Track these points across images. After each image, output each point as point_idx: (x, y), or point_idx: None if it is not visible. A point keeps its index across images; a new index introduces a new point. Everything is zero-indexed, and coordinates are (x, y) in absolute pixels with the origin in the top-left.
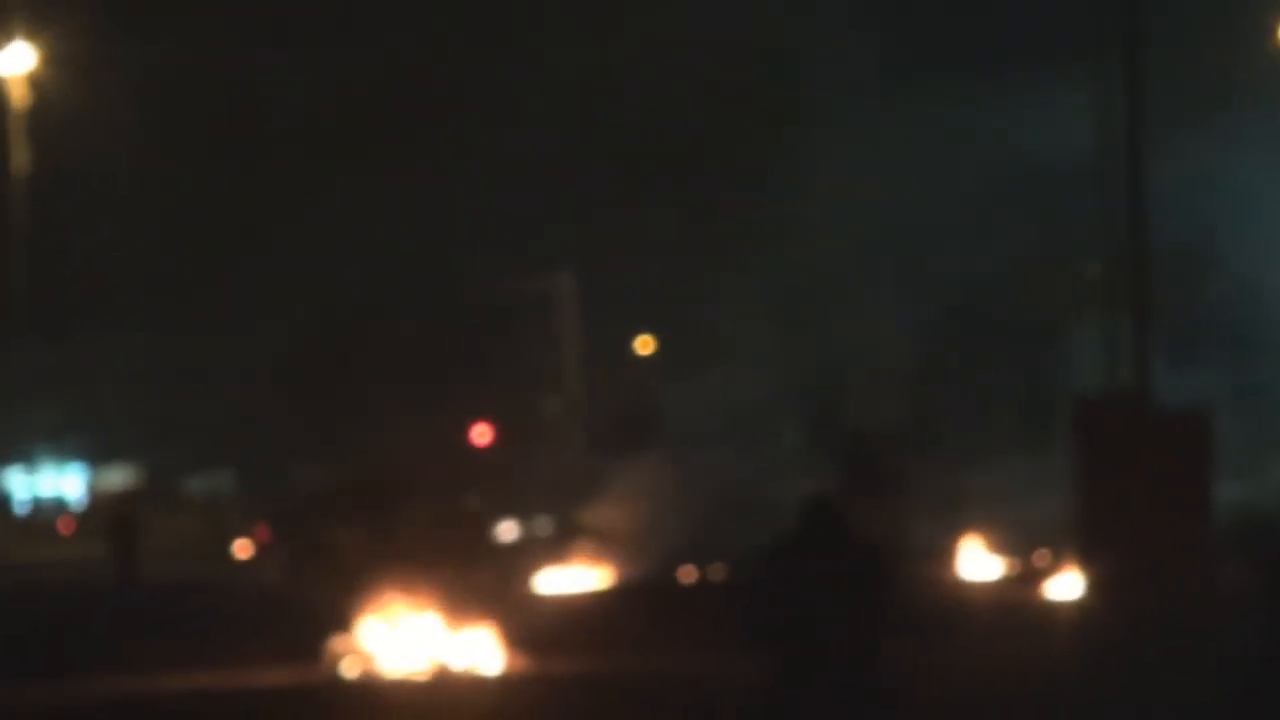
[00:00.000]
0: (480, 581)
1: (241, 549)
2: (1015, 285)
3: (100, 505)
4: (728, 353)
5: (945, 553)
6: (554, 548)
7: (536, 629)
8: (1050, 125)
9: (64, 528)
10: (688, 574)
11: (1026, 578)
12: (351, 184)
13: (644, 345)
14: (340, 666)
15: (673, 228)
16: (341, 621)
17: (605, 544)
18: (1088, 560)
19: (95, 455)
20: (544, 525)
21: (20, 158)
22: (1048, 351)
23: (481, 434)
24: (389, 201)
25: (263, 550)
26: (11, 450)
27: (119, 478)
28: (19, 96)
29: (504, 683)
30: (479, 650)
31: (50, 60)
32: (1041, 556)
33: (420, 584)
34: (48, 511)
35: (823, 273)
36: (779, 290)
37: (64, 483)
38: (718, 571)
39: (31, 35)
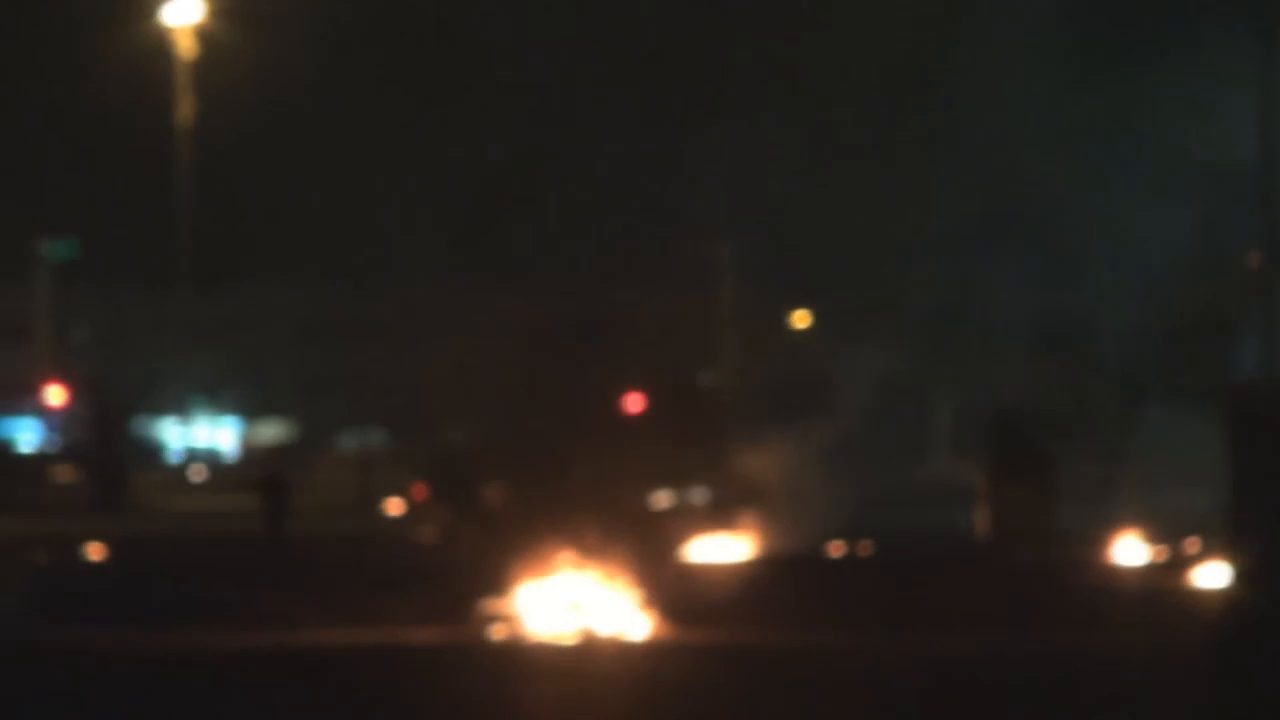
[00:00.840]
0: (633, 548)
1: (393, 506)
2: (1181, 274)
3: (253, 459)
4: (881, 328)
5: (1098, 538)
6: (706, 517)
7: (685, 597)
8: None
9: (197, 475)
10: (837, 548)
11: (1175, 564)
12: (507, 145)
13: (800, 319)
14: (489, 629)
15: (833, 202)
16: (494, 584)
17: (756, 515)
18: (1234, 549)
19: (249, 409)
20: (697, 494)
21: (185, 109)
22: (1211, 339)
23: (635, 401)
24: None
25: (415, 509)
26: (168, 402)
27: (272, 432)
28: (186, 48)
29: (649, 649)
30: (626, 616)
31: (217, 13)
32: (1193, 544)
33: (573, 549)
34: (200, 463)
35: (973, 251)
36: (931, 268)
37: (218, 435)
38: (866, 547)
39: None
